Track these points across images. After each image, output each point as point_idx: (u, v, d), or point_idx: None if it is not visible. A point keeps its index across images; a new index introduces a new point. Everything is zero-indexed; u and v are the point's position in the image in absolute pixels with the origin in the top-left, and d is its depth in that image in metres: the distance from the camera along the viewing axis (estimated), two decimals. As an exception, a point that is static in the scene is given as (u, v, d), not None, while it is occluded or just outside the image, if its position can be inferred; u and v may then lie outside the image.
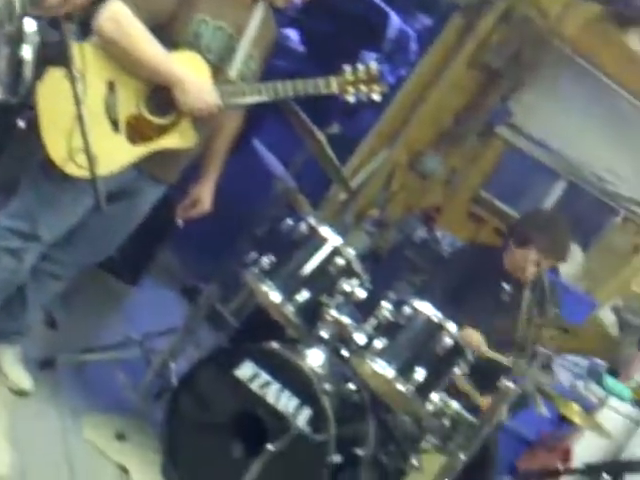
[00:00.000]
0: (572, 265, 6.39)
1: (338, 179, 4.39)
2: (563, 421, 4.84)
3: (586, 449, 5.12)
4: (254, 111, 3.77)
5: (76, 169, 2.92)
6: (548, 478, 4.63)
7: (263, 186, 4.38)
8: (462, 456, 3.48)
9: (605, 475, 2.32)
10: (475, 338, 4.03)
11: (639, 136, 6.69)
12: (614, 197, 6.86)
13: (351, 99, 3.45)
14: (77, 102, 2.49)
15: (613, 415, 5.52)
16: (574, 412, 3.93)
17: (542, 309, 3.70)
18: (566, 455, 5.30)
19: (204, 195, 3.68)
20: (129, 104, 3.19)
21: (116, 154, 3.17)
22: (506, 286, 4.23)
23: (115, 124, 3.15)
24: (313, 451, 3.40)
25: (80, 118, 2.50)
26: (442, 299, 4.19)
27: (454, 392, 3.60)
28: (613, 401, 5.63)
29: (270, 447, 2.87)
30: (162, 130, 3.25)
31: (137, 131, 3.20)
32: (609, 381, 5.74)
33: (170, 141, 3.27)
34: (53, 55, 2.44)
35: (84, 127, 2.52)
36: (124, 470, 3.47)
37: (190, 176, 3.69)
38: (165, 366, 3.96)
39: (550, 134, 6.69)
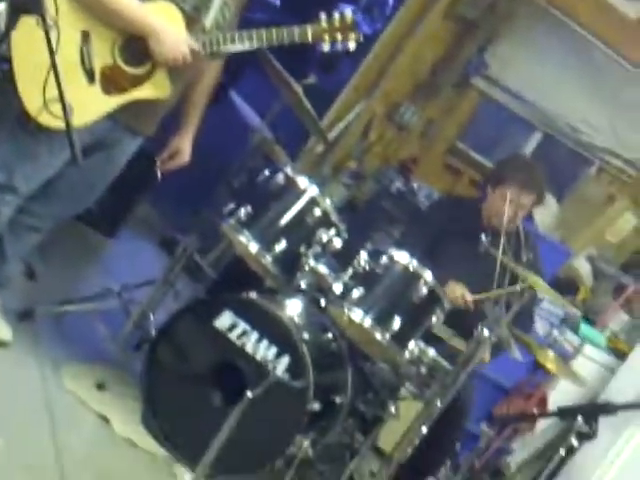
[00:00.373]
0: (547, 215, 6.44)
1: (315, 131, 4.39)
2: (539, 368, 4.90)
3: (562, 396, 5.19)
4: (231, 63, 3.77)
5: (51, 120, 2.90)
6: (524, 422, 4.71)
7: (240, 137, 4.39)
8: (438, 403, 3.54)
9: (579, 418, 2.36)
10: (459, 291, 4.07)
11: (613, 87, 6.72)
12: (589, 148, 6.90)
13: (327, 48, 3.44)
14: (51, 51, 2.48)
15: (588, 363, 5.59)
16: (549, 359, 3.99)
17: (517, 255, 3.73)
18: (542, 402, 5.37)
19: (183, 147, 3.67)
20: (104, 54, 3.17)
21: (91, 104, 3.16)
22: (484, 237, 4.26)
23: (90, 74, 3.13)
24: (292, 398, 3.44)
25: (54, 68, 2.49)
26: (420, 252, 4.23)
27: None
28: (588, 349, 5.71)
29: (249, 394, 2.89)
30: (137, 80, 3.23)
31: (112, 81, 3.19)
32: (584, 328, 5.81)
33: (145, 92, 3.26)
34: (26, 3, 2.42)
35: (58, 77, 2.51)
36: (104, 419, 3.49)
37: (169, 128, 3.68)
38: (144, 317, 3.98)
39: (525, 85, 6.71)
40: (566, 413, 2.60)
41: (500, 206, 4.18)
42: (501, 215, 4.15)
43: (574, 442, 2.40)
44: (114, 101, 3.21)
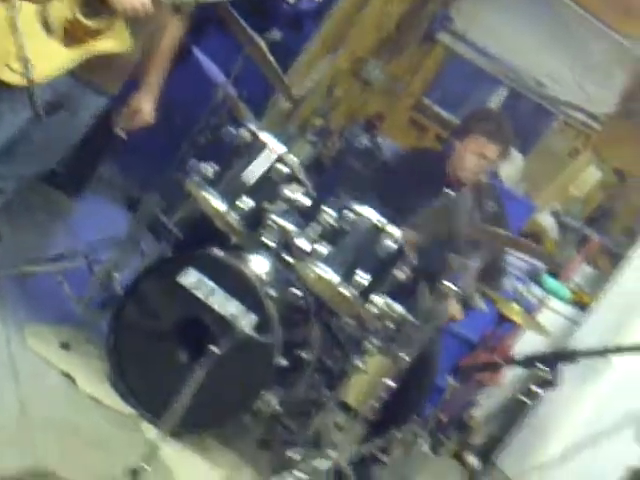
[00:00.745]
0: (512, 170, 6.47)
1: (280, 88, 4.36)
2: (504, 322, 4.94)
3: (526, 348, 5.24)
4: (194, 19, 3.72)
5: (11, 75, 2.86)
6: (487, 371, 4.76)
7: (204, 95, 4.35)
8: (405, 357, 3.57)
9: (540, 365, 2.39)
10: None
11: (579, 42, 6.74)
12: (554, 102, 6.93)
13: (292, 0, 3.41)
14: (9, 5, 2.44)
15: (552, 315, 5.66)
16: (514, 312, 4.04)
17: (482, 208, 3.75)
18: (506, 354, 5.43)
19: (144, 105, 3.59)
20: (63, 8, 3.11)
21: (51, 59, 3.10)
22: (449, 191, 4.26)
23: (49, 28, 3.08)
24: (258, 354, 3.45)
25: (13, 22, 2.45)
26: (385, 205, 4.24)
27: None
28: (553, 302, 5.77)
29: (214, 349, 2.90)
30: (97, 34, 3.17)
31: (72, 35, 3.13)
32: (549, 281, 5.86)
33: (105, 44, 3.19)
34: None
35: (17, 31, 2.47)
36: (69, 378, 3.48)
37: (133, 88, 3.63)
38: (109, 277, 3.96)
39: (491, 40, 6.71)
40: (528, 361, 2.63)
41: (466, 158, 4.18)
42: (467, 167, 4.16)
43: (536, 389, 2.43)
44: (75, 54, 3.15)
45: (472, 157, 4.14)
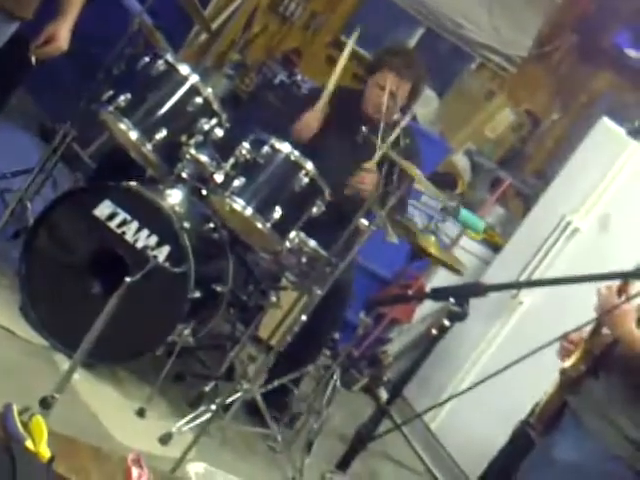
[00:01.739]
0: (428, 110, 6.51)
1: (199, 19, 4.31)
2: (416, 259, 5.01)
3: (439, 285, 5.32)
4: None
5: None
6: (398, 303, 4.83)
7: (120, 24, 4.26)
8: (318, 292, 3.60)
9: (451, 299, 2.44)
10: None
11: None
12: (470, 44, 6.98)
13: None
14: None
15: (464, 254, 5.75)
16: (431, 244, 4.09)
17: (395, 143, 3.77)
18: (419, 291, 5.52)
19: (60, 32, 3.46)
20: None
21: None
22: (364, 128, 4.26)
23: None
24: (172, 286, 3.45)
25: None
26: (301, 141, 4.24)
27: None
28: (464, 241, 5.86)
29: (127, 279, 2.88)
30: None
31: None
32: (464, 213, 5.95)
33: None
34: None
35: None
36: (-20, 308, 3.45)
37: (48, 16, 3.53)
38: (21, 206, 3.90)
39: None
40: (438, 294, 2.68)
41: (376, 93, 4.18)
42: (375, 102, 4.16)
43: (446, 322, 2.49)
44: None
45: (380, 92, 4.14)
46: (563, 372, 2.83)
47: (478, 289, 2.53)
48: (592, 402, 2.75)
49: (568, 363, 2.81)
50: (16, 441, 1.75)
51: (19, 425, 1.79)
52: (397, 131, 3.92)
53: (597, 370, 2.78)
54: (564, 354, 2.86)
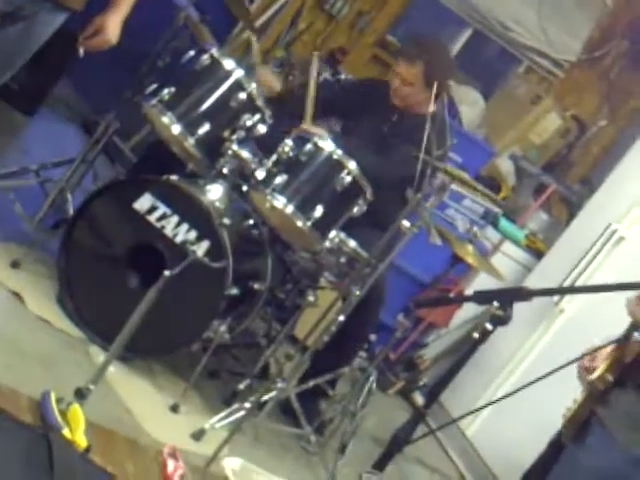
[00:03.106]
0: (473, 112, 6.45)
1: (243, 15, 4.29)
2: (457, 263, 4.96)
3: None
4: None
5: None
6: (440, 305, 4.78)
7: (166, 17, 4.25)
8: (357, 292, 3.56)
9: (494, 302, 2.40)
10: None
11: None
12: (518, 46, 6.90)
13: None
14: None
15: (506, 260, 5.69)
16: (468, 253, 4.04)
17: (440, 142, 3.71)
18: (459, 295, 5.47)
19: (110, 25, 3.41)
20: None
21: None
22: (393, 117, 4.24)
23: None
24: (210, 282, 3.42)
25: None
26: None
27: None
28: (507, 246, 5.79)
29: (166, 272, 2.86)
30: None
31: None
32: (504, 224, 5.88)
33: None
34: None
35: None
36: (18, 297, 3.43)
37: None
38: (62, 197, 3.90)
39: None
40: (482, 297, 2.63)
41: (393, 81, 4.18)
42: (393, 89, 4.16)
43: (488, 326, 2.44)
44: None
45: (395, 79, 4.13)
46: (590, 383, 2.78)
47: (522, 293, 2.48)
48: (621, 413, 2.70)
49: (595, 375, 2.75)
50: (53, 429, 1.74)
51: (57, 413, 1.78)
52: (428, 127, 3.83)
53: (625, 379, 2.73)
54: (584, 375, 2.81)
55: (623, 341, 2.72)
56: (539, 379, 2.52)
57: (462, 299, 3.74)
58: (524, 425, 4.87)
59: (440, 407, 5.27)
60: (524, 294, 2.47)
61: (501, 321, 2.43)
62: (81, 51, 3.47)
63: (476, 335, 2.49)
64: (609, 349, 2.79)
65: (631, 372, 2.72)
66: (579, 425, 2.85)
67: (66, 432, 1.74)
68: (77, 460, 1.71)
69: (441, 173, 3.60)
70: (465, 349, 2.69)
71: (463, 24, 6.88)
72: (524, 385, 2.59)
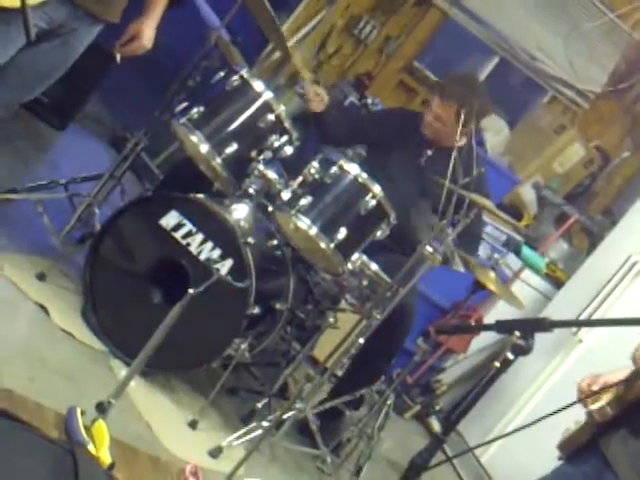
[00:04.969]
0: (498, 140, 6.47)
1: (275, 37, 4.32)
2: (478, 290, 4.97)
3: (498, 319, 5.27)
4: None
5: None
6: (461, 333, 4.77)
7: (198, 37, 4.30)
8: (377, 316, 3.58)
9: (516, 332, 2.41)
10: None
11: (573, 18, 6.73)
12: (543, 76, 6.92)
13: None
14: None
15: (525, 288, 5.70)
16: (490, 280, 4.05)
17: (467, 170, 3.74)
18: (478, 322, 5.47)
19: (144, 31, 3.45)
20: None
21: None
22: (428, 151, 4.28)
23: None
24: (232, 300, 3.45)
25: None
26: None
27: None
28: (526, 274, 5.80)
29: (190, 290, 2.89)
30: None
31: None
32: (526, 251, 5.89)
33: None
34: None
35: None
36: (43, 309, 3.47)
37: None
38: (89, 211, 3.94)
39: (486, 8, 6.68)
40: (503, 326, 2.64)
41: (427, 116, 4.25)
42: (425, 124, 4.22)
43: (509, 355, 2.45)
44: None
45: (429, 115, 4.18)
46: (589, 413, 2.78)
47: (543, 324, 2.49)
48: (628, 456, 2.69)
49: (595, 406, 2.74)
50: (79, 445, 1.76)
51: (82, 429, 1.81)
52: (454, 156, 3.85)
53: (632, 420, 2.71)
54: (584, 399, 2.80)
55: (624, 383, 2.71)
56: (555, 412, 2.52)
57: (484, 327, 3.75)
58: (539, 452, 4.84)
59: (455, 432, 5.27)
60: (546, 325, 2.48)
61: (523, 351, 2.45)
62: (118, 57, 3.53)
63: (497, 364, 2.50)
64: (613, 380, 2.77)
65: (633, 412, 2.71)
66: (576, 448, 2.85)
67: (91, 448, 1.76)
68: (102, 476, 1.73)
69: (466, 200, 3.62)
70: (482, 376, 2.70)
71: (490, 52, 6.91)
72: (541, 417, 2.58)
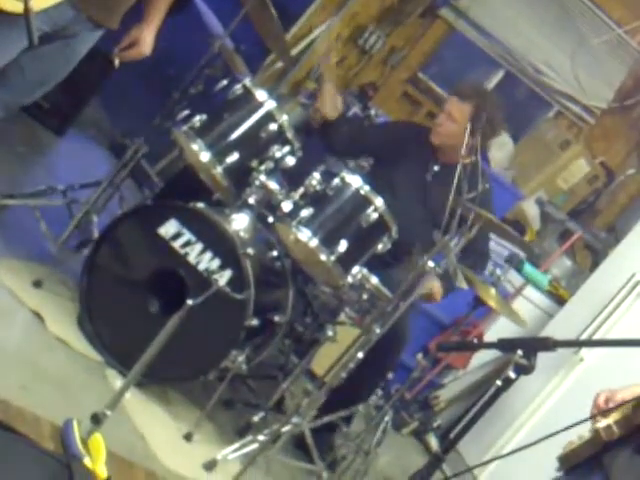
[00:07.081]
0: (502, 155, 6.44)
1: (278, 46, 4.29)
2: (478, 306, 4.93)
3: (498, 335, 5.22)
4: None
5: (10, 4, 2.79)
6: (462, 350, 4.73)
7: (200, 45, 4.27)
8: (377, 330, 3.53)
9: (519, 351, 2.37)
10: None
11: (580, 33, 6.71)
12: (549, 90, 6.89)
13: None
14: None
15: (527, 305, 5.65)
16: (491, 296, 4.00)
17: (472, 185, 3.69)
18: (479, 338, 5.43)
19: (144, 37, 3.44)
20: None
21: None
22: (435, 166, 4.23)
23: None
24: (231, 312, 3.40)
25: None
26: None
27: None
28: (528, 291, 5.76)
29: (189, 301, 2.85)
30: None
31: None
32: (528, 268, 5.85)
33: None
34: None
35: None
36: (38, 317, 3.42)
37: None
38: (87, 218, 3.90)
39: (492, 21, 6.67)
40: (506, 345, 2.60)
41: (438, 117, 4.22)
42: (436, 125, 4.20)
43: (511, 374, 2.41)
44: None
45: (442, 116, 4.14)
46: (595, 431, 2.72)
47: (546, 343, 2.45)
48: (633, 474, 2.64)
49: (602, 424, 2.69)
50: (76, 458, 1.73)
51: (79, 442, 1.77)
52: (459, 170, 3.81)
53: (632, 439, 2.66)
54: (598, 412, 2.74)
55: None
56: (554, 434, 2.47)
57: (486, 345, 3.69)
58: (537, 472, 4.80)
59: (453, 450, 5.21)
60: (549, 344, 2.43)
61: (525, 370, 2.41)
62: (117, 62, 3.50)
63: (498, 383, 2.46)
64: (630, 397, 2.72)
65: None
66: (577, 462, 2.80)
67: (87, 461, 1.72)
68: (98, 491, 1.70)
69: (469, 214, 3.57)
70: (482, 393, 2.66)
71: (495, 65, 6.88)
72: (541, 438, 2.53)
